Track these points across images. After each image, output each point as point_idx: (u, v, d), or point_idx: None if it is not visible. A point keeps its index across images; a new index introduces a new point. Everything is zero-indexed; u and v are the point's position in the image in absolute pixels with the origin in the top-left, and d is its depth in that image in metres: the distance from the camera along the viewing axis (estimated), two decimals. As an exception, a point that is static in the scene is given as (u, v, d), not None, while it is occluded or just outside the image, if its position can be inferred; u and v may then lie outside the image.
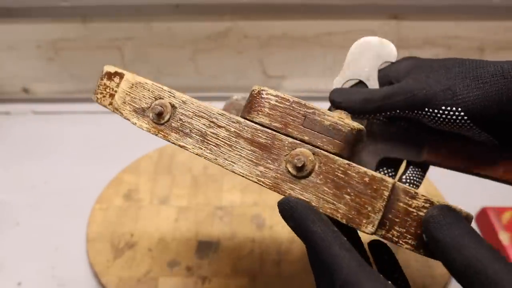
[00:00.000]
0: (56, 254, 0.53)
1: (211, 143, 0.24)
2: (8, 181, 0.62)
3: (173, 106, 0.25)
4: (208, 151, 0.24)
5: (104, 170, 0.61)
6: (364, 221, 0.22)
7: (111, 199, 0.57)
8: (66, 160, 0.65)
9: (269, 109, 0.24)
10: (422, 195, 0.22)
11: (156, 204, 0.57)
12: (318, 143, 0.23)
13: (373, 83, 0.31)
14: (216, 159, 0.24)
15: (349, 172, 0.22)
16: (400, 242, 0.22)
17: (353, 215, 0.22)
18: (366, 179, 0.22)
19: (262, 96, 0.24)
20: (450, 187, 0.58)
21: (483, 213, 0.54)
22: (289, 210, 0.23)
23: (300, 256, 0.51)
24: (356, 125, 0.23)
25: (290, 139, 0.23)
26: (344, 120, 0.23)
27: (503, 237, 0.51)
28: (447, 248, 0.20)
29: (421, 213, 0.22)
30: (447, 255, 0.20)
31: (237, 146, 0.24)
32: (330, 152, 0.23)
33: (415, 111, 0.27)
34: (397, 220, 0.22)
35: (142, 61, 0.73)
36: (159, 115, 0.25)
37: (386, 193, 0.22)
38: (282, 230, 0.53)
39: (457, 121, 0.26)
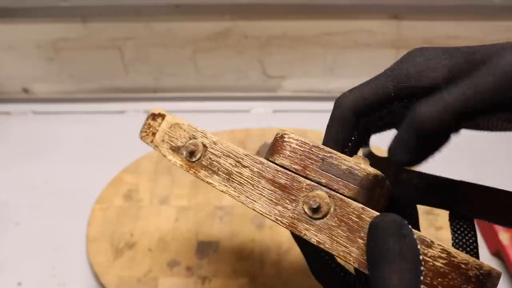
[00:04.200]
0: (56, 254, 0.53)
1: (235, 181, 0.26)
2: (8, 181, 0.62)
3: (204, 146, 0.27)
4: (232, 189, 0.26)
5: (104, 170, 0.61)
6: None
7: (111, 199, 0.57)
8: (66, 160, 0.65)
9: (290, 151, 0.25)
10: (439, 244, 0.21)
11: (156, 204, 0.57)
12: (335, 186, 0.23)
13: None
14: (239, 196, 0.25)
15: (363, 216, 0.22)
16: None
17: (365, 259, 0.22)
18: None
19: (284, 139, 0.25)
20: (450, 187, 0.58)
21: (483, 213, 0.54)
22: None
23: (300, 256, 0.51)
24: (372, 170, 0.23)
25: (308, 181, 0.24)
26: (360, 165, 0.23)
27: (503, 237, 0.51)
28: None
29: (437, 263, 0.21)
30: None
31: (258, 186, 0.25)
32: (345, 196, 0.23)
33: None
34: None
35: (142, 61, 0.73)
36: (191, 153, 0.27)
37: None
38: (282, 230, 0.53)
39: None
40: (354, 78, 0.74)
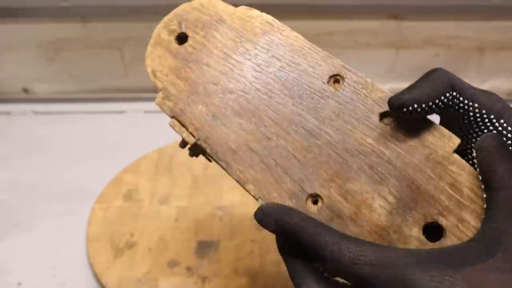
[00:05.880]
0: (56, 254, 0.53)
1: None
2: (8, 181, 0.62)
3: None
4: None
5: (104, 170, 0.61)
6: None
7: (111, 199, 0.57)
8: (66, 160, 0.65)
9: None
10: None
11: (156, 204, 0.57)
12: None
13: None
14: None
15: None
16: None
17: None
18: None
19: None
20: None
21: (483, 213, 0.54)
22: (266, 216, 0.23)
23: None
24: None
25: None
26: None
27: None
28: None
29: None
30: None
31: None
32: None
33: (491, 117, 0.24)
34: None
35: (142, 61, 0.73)
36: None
37: None
38: (282, 230, 0.53)
39: None
40: (354, 78, 0.75)
